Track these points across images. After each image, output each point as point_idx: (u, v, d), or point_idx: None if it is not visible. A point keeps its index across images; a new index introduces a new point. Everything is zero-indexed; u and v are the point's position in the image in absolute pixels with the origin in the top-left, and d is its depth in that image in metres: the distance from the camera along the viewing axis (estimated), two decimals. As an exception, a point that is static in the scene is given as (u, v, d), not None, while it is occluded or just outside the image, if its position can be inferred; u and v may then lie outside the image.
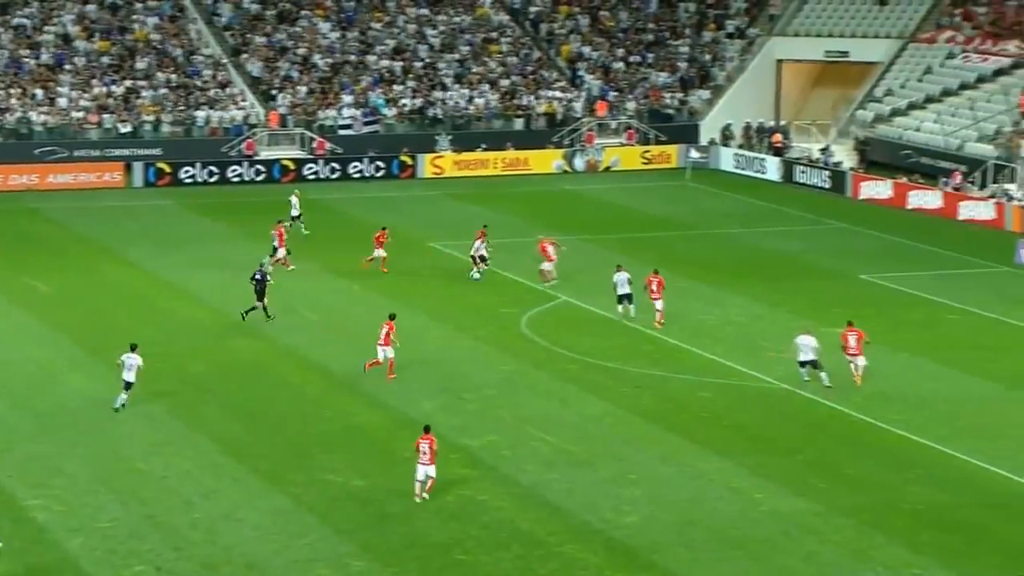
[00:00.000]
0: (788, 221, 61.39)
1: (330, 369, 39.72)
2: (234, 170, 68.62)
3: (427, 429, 31.25)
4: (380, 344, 38.47)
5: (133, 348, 36.11)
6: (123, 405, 35.81)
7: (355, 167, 70.02)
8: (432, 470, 30.68)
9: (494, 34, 79.55)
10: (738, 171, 72.33)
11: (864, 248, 55.76)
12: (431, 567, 28.23)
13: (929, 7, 77.31)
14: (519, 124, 74.93)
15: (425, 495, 30.72)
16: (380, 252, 50.36)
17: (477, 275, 49.02)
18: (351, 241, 54.95)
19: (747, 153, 72.89)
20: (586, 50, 79.47)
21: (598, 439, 34.87)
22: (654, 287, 43.85)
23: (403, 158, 70.61)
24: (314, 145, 70.63)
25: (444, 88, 75.34)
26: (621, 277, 44.48)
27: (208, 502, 30.80)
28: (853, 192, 66.18)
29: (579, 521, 30.13)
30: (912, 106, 72.22)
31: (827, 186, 67.85)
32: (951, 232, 57.86)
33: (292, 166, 69.29)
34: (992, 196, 60.71)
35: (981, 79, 71.36)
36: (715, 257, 53.75)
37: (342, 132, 72.12)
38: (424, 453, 30.65)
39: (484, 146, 72.33)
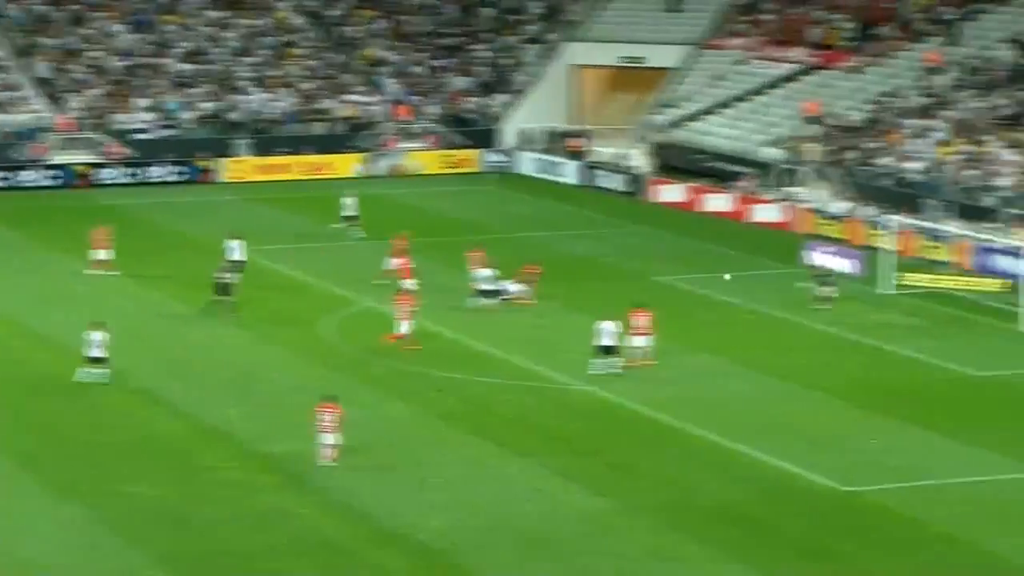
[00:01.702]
0: (588, 224, 62.07)
1: (128, 378, 38.93)
2: (26, 175, 66.93)
3: (331, 399, 32.79)
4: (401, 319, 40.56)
5: None
6: None
7: (152, 171, 68.81)
8: (334, 438, 32.43)
9: (293, 37, 78.90)
10: (539, 175, 72.87)
11: (660, 250, 56.64)
12: (234, 577, 27.85)
13: (720, 15, 78.88)
14: (320, 128, 74.45)
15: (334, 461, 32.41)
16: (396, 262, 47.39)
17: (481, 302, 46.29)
18: (149, 247, 53.90)
19: (548, 157, 73.49)
20: (387, 54, 79.31)
21: (402, 443, 34.78)
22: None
23: (201, 163, 69.62)
24: (103, 149, 69.22)
25: (242, 92, 74.47)
26: (605, 327, 39.74)
27: (1, 517, 29.93)
28: (650, 196, 67.20)
29: (384, 527, 30.01)
30: (705, 111, 73.60)
31: (625, 190, 68.76)
32: (743, 234, 59.08)
33: (86, 170, 67.80)
34: (780, 199, 62.17)
35: (769, 84, 73.04)
36: (518, 261, 54.02)
37: (137, 136, 70.83)
38: (326, 422, 32.32)
39: (284, 150, 71.66)
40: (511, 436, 35.43)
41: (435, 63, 79.30)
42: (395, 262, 48.47)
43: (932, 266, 52.15)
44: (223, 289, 44.68)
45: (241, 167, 70.60)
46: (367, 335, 43.74)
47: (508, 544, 29.34)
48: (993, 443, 34.91)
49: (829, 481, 32.43)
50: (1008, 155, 57.89)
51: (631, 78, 79.50)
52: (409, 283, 45.92)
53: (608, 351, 39.58)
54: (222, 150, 70.93)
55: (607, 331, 39.63)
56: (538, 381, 39.87)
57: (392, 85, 76.98)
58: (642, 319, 40.37)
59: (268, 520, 30.12)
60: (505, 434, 35.58)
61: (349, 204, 58.05)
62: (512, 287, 46.99)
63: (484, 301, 45.66)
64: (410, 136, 74.91)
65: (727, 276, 44.75)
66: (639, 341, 40.14)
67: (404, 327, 42.05)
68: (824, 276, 47.79)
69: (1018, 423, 36.69)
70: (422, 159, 73.60)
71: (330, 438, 32.80)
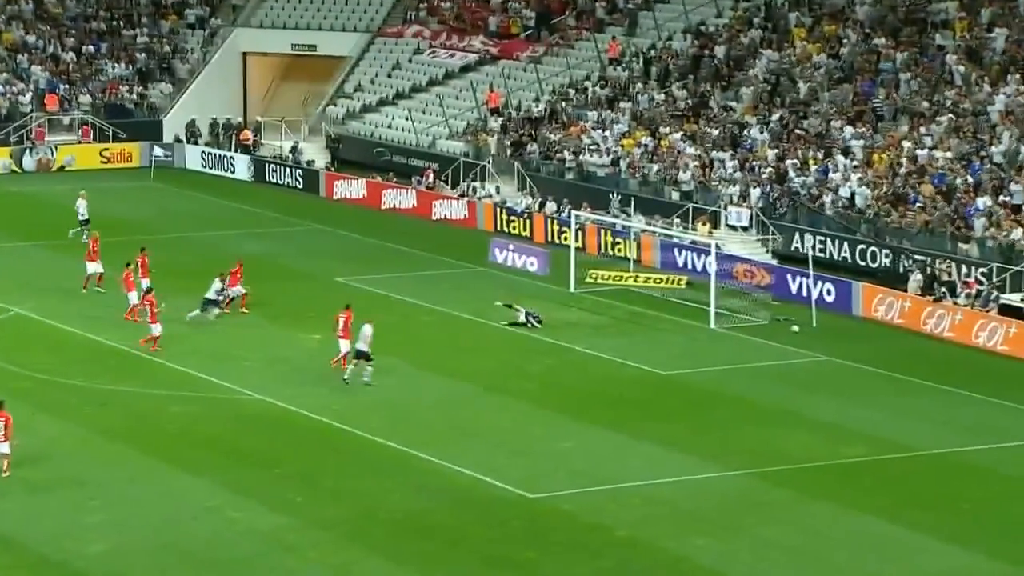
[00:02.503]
0: (260, 222, 61.52)
1: None
2: None
3: (1, 405, 32.70)
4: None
5: None
6: None
7: None
8: (6, 447, 32.57)
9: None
10: (206, 170, 71.89)
11: (339, 249, 56.58)
12: None
13: (394, 1, 79.25)
14: (-42, 120, 71.82)
15: (4, 473, 32.48)
16: (238, 289, 46.00)
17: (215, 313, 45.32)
18: None
19: (215, 151, 72.56)
20: (31, 39, 76.86)
21: (57, 463, 33.80)
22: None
23: None
24: None
25: None
26: (365, 330, 40.09)
27: None
28: (327, 192, 67.06)
29: (37, 555, 29.08)
30: (383, 102, 73.87)
31: (300, 186, 68.44)
32: (426, 232, 59.52)
33: None
34: (463, 195, 62.88)
35: (449, 75, 73.80)
36: (183, 262, 53.19)
37: None
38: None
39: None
40: (180, 451, 34.83)
41: (87, 49, 77.22)
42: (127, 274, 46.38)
43: (617, 263, 53.53)
44: None
45: None
46: (16, 347, 42.36)
47: (177, 567, 28.82)
48: (677, 443, 36.06)
49: (515, 488, 32.94)
50: (688, 148, 59.86)
51: (303, 67, 79.21)
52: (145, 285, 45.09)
53: (362, 355, 39.70)
54: None
55: (364, 335, 39.76)
56: (210, 391, 39.32)
57: (38, 72, 74.61)
58: (341, 320, 40.76)
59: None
60: (173, 449, 34.95)
61: (82, 206, 55.54)
62: (233, 290, 46.07)
63: (215, 311, 44.49)
64: (62, 128, 72.80)
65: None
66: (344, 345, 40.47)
67: (156, 329, 42.09)
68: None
69: (702, 422, 38.00)
70: (75, 153, 71.64)
71: (4, 447, 32.58)
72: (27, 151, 70.78)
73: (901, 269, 50.14)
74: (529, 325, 45.72)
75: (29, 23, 77.67)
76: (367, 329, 40.10)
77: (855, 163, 55.09)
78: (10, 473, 32.72)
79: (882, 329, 47.14)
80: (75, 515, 30.94)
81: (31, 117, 71.84)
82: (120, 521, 30.77)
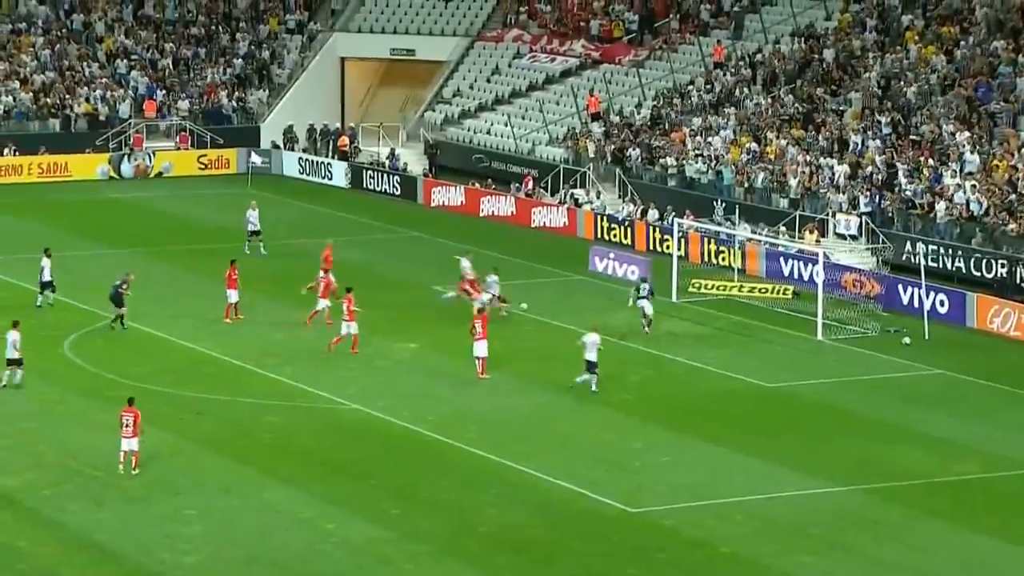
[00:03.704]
0: (358, 230, 61.87)
1: None
2: None
3: (131, 402, 33.98)
4: (344, 319, 42.21)
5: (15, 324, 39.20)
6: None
7: None
8: (135, 443, 33.59)
9: (23, 24, 76.95)
10: (303, 177, 72.38)
11: (436, 257, 56.73)
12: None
13: (494, 4, 79.44)
14: (56, 125, 72.74)
15: (133, 470, 33.49)
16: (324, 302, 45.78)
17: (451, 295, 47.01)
18: None
19: (312, 158, 73.06)
20: (130, 44, 77.91)
21: (153, 472, 34.15)
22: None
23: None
24: None
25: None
26: (591, 339, 40.39)
27: None
28: (424, 199, 67.28)
29: (132, 565, 29.40)
30: (481, 107, 74.04)
31: (397, 192, 68.75)
32: (525, 240, 59.53)
33: None
34: (562, 202, 62.83)
35: (549, 80, 73.83)
36: (284, 271, 53.63)
37: None
38: (127, 426, 33.54)
39: (14, 149, 69.83)
40: (274, 461, 35.08)
41: (185, 54, 78.16)
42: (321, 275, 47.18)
43: (721, 272, 53.25)
44: None
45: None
46: (112, 355, 42.88)
47: (270, 580, 29.03)
48: (782, 457, 35.78)
49: (615, 502, 32.84)
50: (796, 155, 59.43)
51: (402, 72, 79.59)
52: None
53: (590, 366, 40.09)
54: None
55: (591, 343, 40.12)
56: (305, 400, 39.57)
57: (137, 78, 75.64)
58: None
59: None
60: (267, 459, 35.20)
61: (253, 217, 56.13)
62: (231, 293, 46.24)
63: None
64: (159, 135, 73.70)
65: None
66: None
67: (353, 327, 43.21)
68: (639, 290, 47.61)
69: (808, 436, 37.69)
70: (173, 159, 72.46)
71: (133, 443, 33.61)
72: (125, 157, 71.71)
73: (1018, 279, 49.49)
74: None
75: (129, 28, 78.71)
76: (595, 338, 40.29)
77: (969, 170, 54.41)
78: (138, 471, 33.50)
79: (997, 342, 46.55)
80: (171, 525, 31.24)
81: (130, 123, 72.80)
82: (214, 532, 31.04)
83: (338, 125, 76.01)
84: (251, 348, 43.55)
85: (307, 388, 40.42)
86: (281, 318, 46.68)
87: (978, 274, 51.14)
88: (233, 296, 46.29)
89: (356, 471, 34.75)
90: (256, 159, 71.64)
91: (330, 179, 71.66)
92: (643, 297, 46.35)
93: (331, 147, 73.48)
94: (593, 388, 40.22)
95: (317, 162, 72.56)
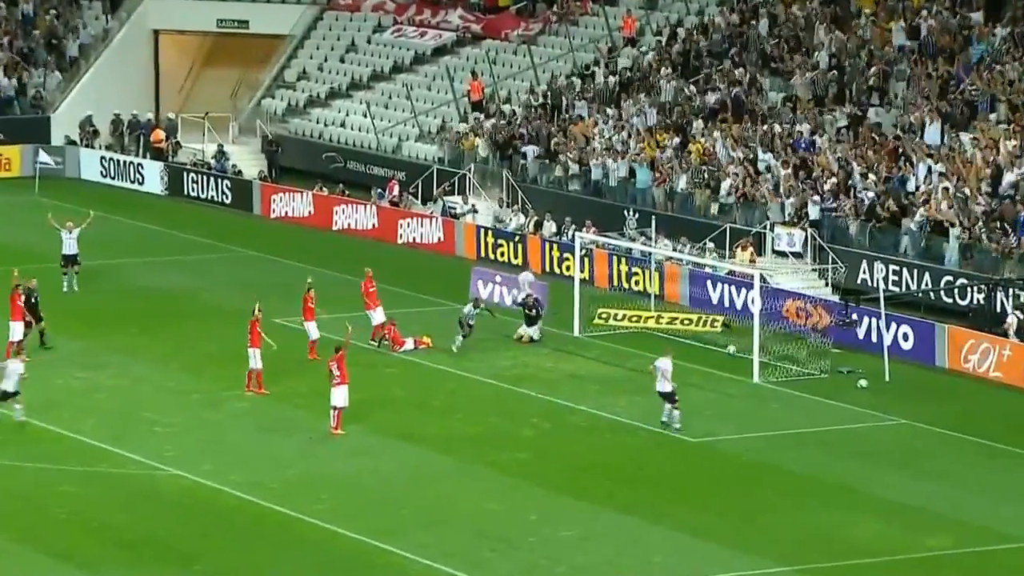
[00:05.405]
0: (177, 248, 61.77)
1: None
2: None
3: (337, 349, 41.05)
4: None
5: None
6: None
7: None
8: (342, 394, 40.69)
9: None
10: (106, 181, 72.21)
11: (276, 282, 56.74)
12: None
13: (353, -35, 79.80)
14: None
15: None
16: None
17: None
18: None
19: (118, 156, 72.90)
20: None
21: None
22: None
23: None
24: None
25: None
26: (663, 364, 42.25)
27: None
28: (263, 208, 67.38)
29: None
30: (333, 94, 74.28)
31: (228, 200, 68.76)
32: (390, 259, 59.68)
33: None
34: (437, 212, 63.17)
35: (419, 59, 74.25)
36: (79, 299, 53.39)
37: None
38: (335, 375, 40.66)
39: None
40: (70, 542, 35.00)
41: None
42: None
43: (634, 299, 53.76)
44: None
45: None
46: None
47: None
48: (710, 531, 36.22)
49: (503, 587, 33.11)
50: (727, 152, 60.14)
51: (233, 49, 79.59)
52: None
53: (670, 399, 41.25)
54: None
55: (664, 370, 41.20)
56: (110, 464, 39.50)
57: None
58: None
59: None
60: (62, 539, 35.12)
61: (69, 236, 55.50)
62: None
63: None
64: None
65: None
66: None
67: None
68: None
69: (742, 504, 38.15)
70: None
71: (340, 394, 40.84)
72: None
73: (999, 308, 50.35)
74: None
75: None
76: (666, 364, 41.44)
77: (941, 170, 55.20)
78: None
79: (973, 384, 47.39)
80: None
81: None
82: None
83: (151, 116, 75.93)
84: (40, 397, 43.39)
85: (112, 448, 40.35)
86: (82, 359, 46.52)
87: (950, 301, 52.04)
88: (17, 332, 46.08)
89: (176, 554, 34.78)
90: (45, 158, 71.36)
91: (141, 183, 71.56)
92: (532, 319, 47.21)
93: (142, 143, 73.36)
94: (676, 426, 41.30)
95: (124, 162, 72.42)
